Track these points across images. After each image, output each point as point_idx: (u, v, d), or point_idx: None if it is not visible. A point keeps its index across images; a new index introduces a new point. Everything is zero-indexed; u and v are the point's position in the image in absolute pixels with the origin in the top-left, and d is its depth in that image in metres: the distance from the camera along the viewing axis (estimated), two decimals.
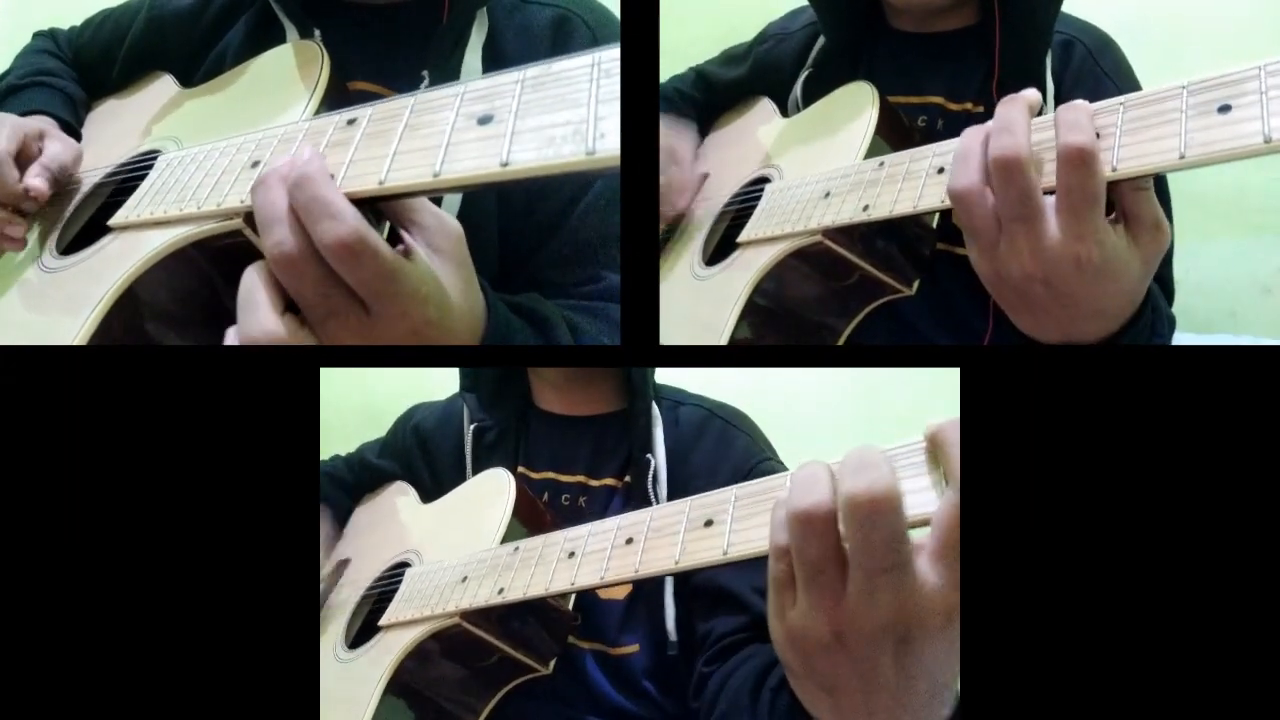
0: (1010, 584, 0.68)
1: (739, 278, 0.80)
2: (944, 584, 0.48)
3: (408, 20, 0.81)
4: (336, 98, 0.70)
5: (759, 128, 0.93)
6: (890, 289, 0.78)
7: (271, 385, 0.69)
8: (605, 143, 0.52)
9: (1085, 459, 0.69)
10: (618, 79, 0.54)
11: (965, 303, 0.82)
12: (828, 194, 0.77)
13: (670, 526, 0.63)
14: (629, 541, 0.65)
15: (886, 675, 0.49)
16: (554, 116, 0.54)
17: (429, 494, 0.96)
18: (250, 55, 0.78)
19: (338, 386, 0.76)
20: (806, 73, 0.91)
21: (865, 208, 0.73)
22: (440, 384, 1.02)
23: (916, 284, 0.78)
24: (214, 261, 0.64)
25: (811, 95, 0.90)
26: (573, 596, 0.81)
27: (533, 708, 0.83)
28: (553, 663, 0.81)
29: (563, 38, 0.82)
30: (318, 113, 0.68)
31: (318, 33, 0.78)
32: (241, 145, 0.67)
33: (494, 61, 0.80)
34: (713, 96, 0.99)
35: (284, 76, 0.73)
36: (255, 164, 0.64)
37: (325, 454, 1.04)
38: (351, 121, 0.62)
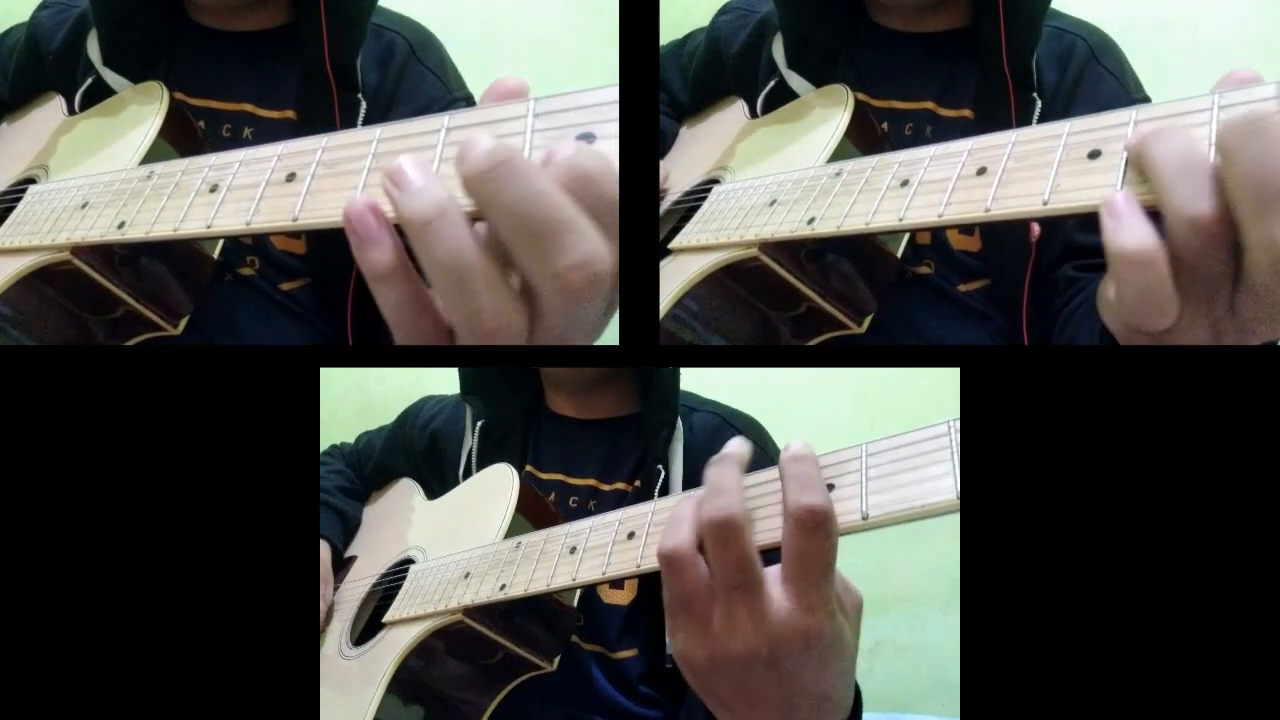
0: (1010, 585, 0.68)
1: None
2: (795, 608, 0.48)
3: (256, 41, 0.80)
4: (179, 125, 0.71)
5: (725, 128, 0.85)
6: (839, 324, 0.71)
7: (271, 385, 0.69)
8: None
9: (1085, 459, 0.68)
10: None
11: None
12: (773, 201, 0.68)
13: None
14: (631, 536, 0.64)
15: (766, 693, 0.50)
16: None
17: (435, 491, 0.97)
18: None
19: (337, 386, 0.77)
20: (774, 81, 0.82)
21: (810, 221, 0.63)
22: (439, 384, 1.02)
23: (868, 321, 0.71)
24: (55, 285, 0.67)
25: (783, 97, 0.82)
26: (576, 597, 0.81)
27: (537, 706, 0.84)
28: (556, 660, 0.81)
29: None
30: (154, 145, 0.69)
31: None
32: (80, 187, 0.67)
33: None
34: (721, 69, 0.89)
35: (130, 114, 0.73)
36: (84, 205, 0.65)
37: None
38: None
